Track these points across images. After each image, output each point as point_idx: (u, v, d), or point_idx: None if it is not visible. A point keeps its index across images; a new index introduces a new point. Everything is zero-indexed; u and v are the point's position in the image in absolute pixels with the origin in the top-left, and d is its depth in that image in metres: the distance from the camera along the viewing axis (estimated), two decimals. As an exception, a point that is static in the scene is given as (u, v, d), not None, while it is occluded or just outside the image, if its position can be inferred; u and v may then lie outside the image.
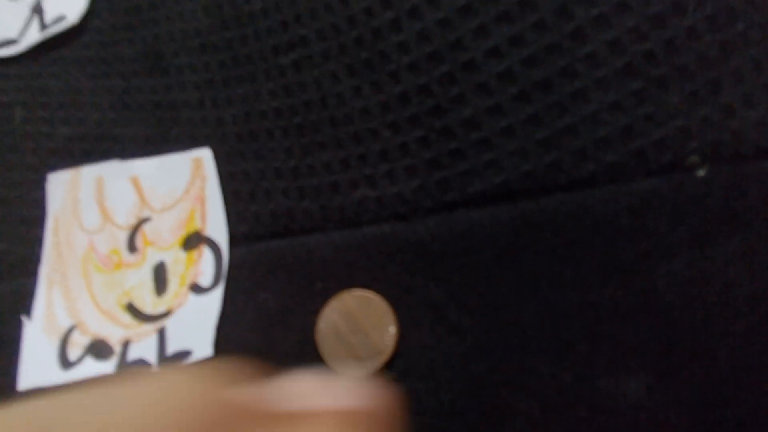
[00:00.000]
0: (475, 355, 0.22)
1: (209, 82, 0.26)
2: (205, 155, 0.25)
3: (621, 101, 0.22)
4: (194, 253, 0.25)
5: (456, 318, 0.22)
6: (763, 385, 0.19)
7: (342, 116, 0.25)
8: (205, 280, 0.25)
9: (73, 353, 0.25)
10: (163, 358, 0.24)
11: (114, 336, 0.25)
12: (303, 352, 0.23)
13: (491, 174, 0.23)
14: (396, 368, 0.22)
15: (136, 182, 0.26)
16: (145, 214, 0.26)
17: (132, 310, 0.25)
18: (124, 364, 0.25)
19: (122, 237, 0.26)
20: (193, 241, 0.25)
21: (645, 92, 0.22)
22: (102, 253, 0.26)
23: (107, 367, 0.25)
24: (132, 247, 0.26)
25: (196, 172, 0.25)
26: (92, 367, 0.25)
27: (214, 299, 0.24)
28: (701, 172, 0.21)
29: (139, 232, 0.26)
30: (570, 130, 0.22)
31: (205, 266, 0.25)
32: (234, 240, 0.25)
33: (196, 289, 0.25)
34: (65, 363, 0.25)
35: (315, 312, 0.23)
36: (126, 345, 0.25)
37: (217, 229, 0.25)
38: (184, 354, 0.24)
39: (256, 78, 0.26)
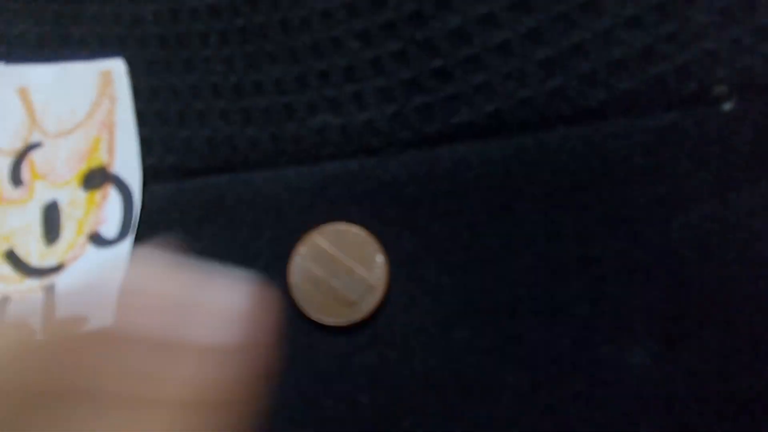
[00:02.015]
0: (456, 319, 0.19)
1: (122, -34, 0.21)
2: (115, 68, 0.21)
3: (640, 16, 0.19)
4: (97, 195, 0.21)
5: (434, 276, 0.20)
6: (786, 354, 0.18)
7: (297, 20, 0.21)
8: (110, 229, 0.21)
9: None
10: (51, 323, 0.20)
11: None
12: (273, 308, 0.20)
13: (482, 101, 0.20)
14: (363, 334, 0.19)
15: (24, 95, 0.21)
16: (35, 137, 0.22)
17: (12, 259, 0.22)
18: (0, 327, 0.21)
19: (3, 165, 0.21)
20: (96, 178, 0.21)
21: (669, 6, 0.19)
22: (-26, 184, 0.21)
23: None
24: (16, 179, 0.22)
25: (104, 89, 0.21)
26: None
27: (120, 254, 0.21)
28: (728, 106, 0.19)
29: (26, 161, 0.22)
30: (578, 50, 0.20)
31: (110, 212, 0.21)
32: (158, 174, 0.21)
33: (98, 240, 0.21)
34: None
35: (270, 266, 0.20)
36: (3, 303, 0.21)
37: (128, 166, 0.21)
38: (77, 320, 0.20)
39: (185, -36, 0.21)
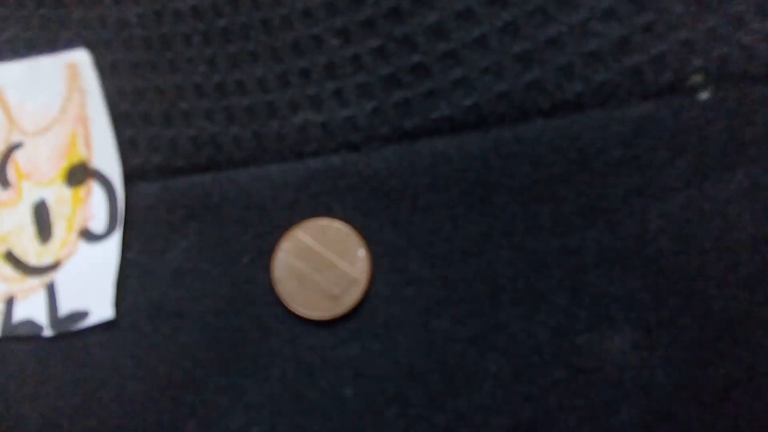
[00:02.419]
0: (438, 309, 0.20)
1: (105, -29, 0.22)
2: (79, 59, 0.21)
3: (615, 8, 0.20)
4: (81, 191, 0.22)
5: (416, 267, 0.20)
6: (762, 340, 0.18)
7: (278, 20, 0.21)
8: (98, 224, 0.21)
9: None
10: (56, 319, 0.21)
11: None
12: (260, 303, 0.20)
13: (460, 95, 0.20)
14: (347, 327, 0.20)
15: (0, 95, 0.22)
16: (16, 137, 0.22)
17: (12, 259, 0.22)
18: (10, 326, 0.21)
19: None
20: (78, 174, 0.22)
21: None
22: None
23: None
24: (4, 181, 0.22)
25: (72, 82, 0.21)
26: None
27: (110, 248, 0.21)
28: (704, 95, 0.19)
29: (11, 162, 0.22)
30: (554, 43, 0.20)
31: (96, 207, 0.21)
32: (145, 174, 0.21)
33: (88, 235, 0.21)
34: None
35: (254, 262, 0.20)
36: (10, 302, 0.22)
37: (107, 159, 0.21)
38: (79, 315, 0.21)
39: (166, -33, 0.21)
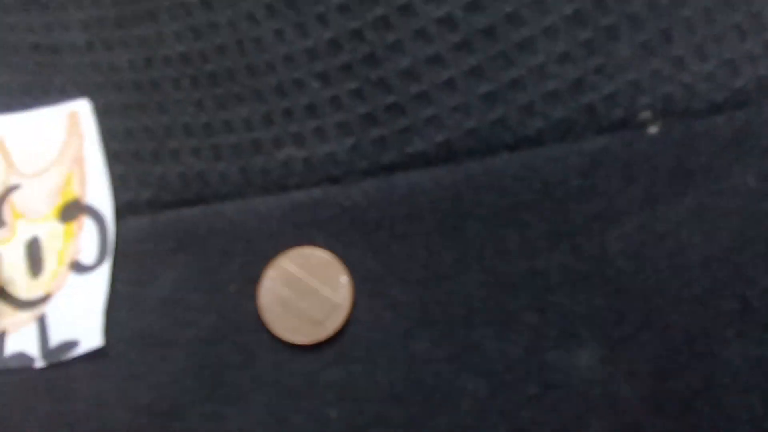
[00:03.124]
0: (416, 332, 0.21)
1: (100, 20, 0.23)
2: (80, 108, 0.23)
3: (570, 52, 0.22)
4: (73, 226, 0.23)
5: (395, 292, 0.21)
6: (718, 352, 0.19)
7: (262, 64, 0.22)
8: (88, 256, 0.22)
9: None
10: (47, 350, 0.21)
11: None
12: (246, 330, 0.21)
13: (432, 132, 0.22)
14: (330, 351, 0.21)
15: (1, 146, 0.23)
16: (13, 180, 0.23)
17: (4, 295, 0.23)
18: (2, 359, 0.22)
19: None
20: (72, 210, 0.23)
21: (595, 42, 0.22)
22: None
23: None
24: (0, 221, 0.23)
25: (72, 129, 0.23)
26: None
27: (100, 279, 0.22)
28: (653, 129, 0.21)
29: (7, 203, 0.23)
30: (516, 84, 0.22)
31: (86, 240, 0.22)
32: (135, 208, 0.22)
33: (78, 267, 0.22)
34: None
35: (241, 291, 0.21)
36: (2, 337, 0.22)
37: (99, 195, 0.22)
38: (69, 345, 0.21)
39: (157, 17, 0.23)
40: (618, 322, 0.20)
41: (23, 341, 0.22)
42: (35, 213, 0.23)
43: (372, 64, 0.22)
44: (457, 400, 0.20)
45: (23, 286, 0.22)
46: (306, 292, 0.21)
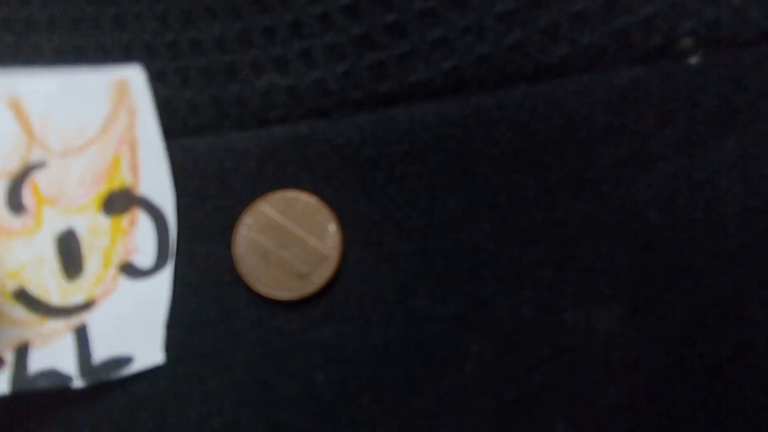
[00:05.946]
0: (416, 287, 0.19)
1: None
2: (132, 76, 0.19)
3: None
4: (123, 220, 0.19)
5: (392, 241, 0.19)
6: (752, 315, 0.18)
7: None
8: (144, 258, 0.19)
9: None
10: (88, 367, 0.18)
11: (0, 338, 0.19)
12: (221, 284, 0.19)
13: (439, 58, 0.19)
14: (316, 308, 0.19)
15: (16, 107, 0.19)
16: (37, 156, 0.19)
17: (25, 299, 0.19)
18: (26, 378, 0.18)
19: None
20: (120, 202, 0.19)
21: None
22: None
23: None
24: (17, 206, 0.19)
25: (120, 100, 0.19)
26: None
27: (159, 285, 0.19)
28: (694, 59, 0.19)
29: (27, 183, 0.19)
30: (539, 3, 0.19)
31: (142, 239, 0.19)
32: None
33: (131, 271, 0.19)
34: None
35: (216, 239, 0.19)
36: (24, 350, 0.19)
37: (157, 185, 0.19)
38: (121, 361, 0.18)
39: None
40: (643, 280, 0.18)
41: (55, 356, 0.18)
42: (68, 200, 0.19)
43: (369, -25, 0.19)
44: (460, 362, 0.19)
45: (55, 289, 0.19)
46: (289, 241, 0.19)
